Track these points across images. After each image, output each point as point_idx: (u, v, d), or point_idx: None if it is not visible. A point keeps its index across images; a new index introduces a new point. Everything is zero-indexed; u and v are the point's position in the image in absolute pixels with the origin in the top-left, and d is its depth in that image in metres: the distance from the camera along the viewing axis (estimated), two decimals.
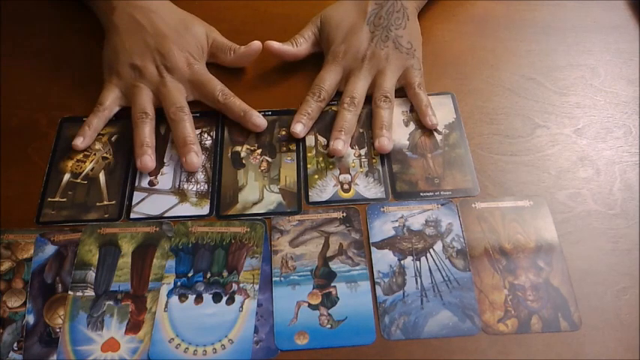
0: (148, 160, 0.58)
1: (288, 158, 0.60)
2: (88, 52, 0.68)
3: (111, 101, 0.62)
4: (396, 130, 0.62)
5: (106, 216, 0.56)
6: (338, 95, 0.64)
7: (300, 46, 0.66)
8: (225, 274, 0.53)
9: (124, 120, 0.62)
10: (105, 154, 0.60)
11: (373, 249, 0.54)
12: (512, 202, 0.57)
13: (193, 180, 0.59)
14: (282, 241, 0.55)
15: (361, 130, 0.62)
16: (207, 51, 0.66)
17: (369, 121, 0.62)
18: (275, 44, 0.64)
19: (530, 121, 0.63)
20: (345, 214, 0.56)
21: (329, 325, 0.50)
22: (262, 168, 0.59)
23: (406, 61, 0.64)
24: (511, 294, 0.52)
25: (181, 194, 0.58)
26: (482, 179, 0.58)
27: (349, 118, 0.61)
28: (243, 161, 0.60)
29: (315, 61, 0.66)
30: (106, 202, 0.57)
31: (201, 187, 0.58)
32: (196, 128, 0.61)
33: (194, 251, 0.54)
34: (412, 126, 0.62)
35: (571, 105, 0.64)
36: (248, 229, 0.55)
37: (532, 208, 0.56)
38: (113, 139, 0.62)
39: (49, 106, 0.64)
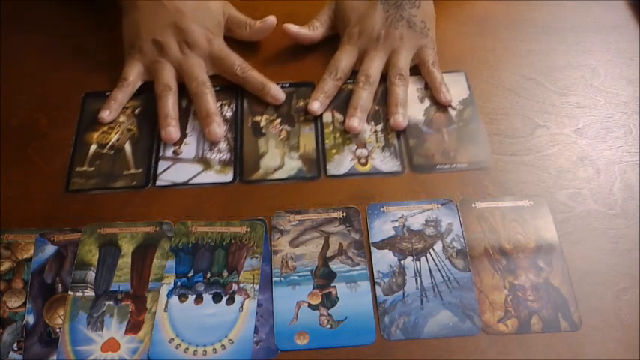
0: (172, 131, 0.60)
1: (307, 128, 0.62)
2: (88, 52, 0.68)
3: (134, 76, 0.64)
4: (411, 107, 0.64)
5: (134, 184, 0.59)
6: (355, 74, 0.65)
7: (316, 30, 0.67)
8: (225, 274, 0.53)
9: (147, 93, 0.64)
10: (129, 126, 0.62)
11: (373, 249, 0.54)
12: (512, 202, 0.57)
13: (216, 149, 0.61)
14: (282, 241, 0.55)
15: (377, 107, 0.64)
16: (224, 26, 0.67)
17: (384, 98, 0.64)
18: (292, 28, 0.66)
19: (530, 121, 0.63)
20: (345, 214, 0.56)
21: (329, 325, 0.50)
22: (282, 137, 0.62)
23: (420, 40, 0.65)
24: (511, 294, 0.52)
25: (205, 163, 0.60)
26: (482, 179, 0.59)
27: (365, 96, 0.62)
28: (263, 130, 0.62)
29: (331, 37, 0.68)
30: (132, 171, 0.59)
31: (224, 156, 0.60)
32: (217, 101, 0.63)
33: (194, 251, 0.54)
34: (427, 102, 0.64)
35: (571, 105, 0.64)
36: (248, 229, 0.55)
37: (532, 208, 0.56)
38: (137, 111, 0.64)
39: (49, 106, 0.64)
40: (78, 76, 0.66)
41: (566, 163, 0.60)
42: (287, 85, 0.65)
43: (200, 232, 0.55)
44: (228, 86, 0.65)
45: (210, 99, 0.62)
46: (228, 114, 0.64)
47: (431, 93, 0.65)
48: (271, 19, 0.66)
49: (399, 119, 0.61)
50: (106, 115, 0.62)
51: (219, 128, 0.61)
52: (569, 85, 0.66)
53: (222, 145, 0.61)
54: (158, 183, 0.59)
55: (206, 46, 0.64)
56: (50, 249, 0.54)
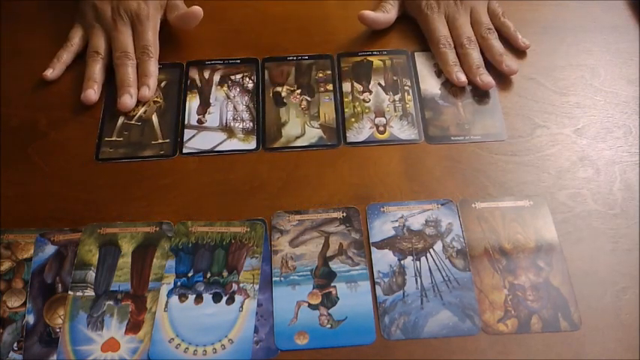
0: (92, 93, 0.63)
1: (326, 98, 0.65)
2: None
3: (78, 38, 0.67)
4: (428, 81, 0.66)
5: (162, 153, 0.61)
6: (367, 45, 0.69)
7: (390, 12, 0.69)
8: (225, 274, 0.53)
9: (173, 68, 0.67)
10: (156, 99, 0.65)
11: (373, 249, 0.54)
12: (512, 202, 0.57)
13: (239, 118, 0.63)
14: (282, 241, 0.55)
15: (395, 78, 0.66)
16: (165, 5, 0.69)
17: (403, 70, 0.67)
18: (369, 14, 0.68)
19: (530, 121, 0.63)
20: (345, 214, 0.56)
21: (329, 325, 0.50)
22: (302, 106, 0.64)
23: None
24: (511, 294, 0.52)
25: (229, 131, 0.62)
26: (482, 179, 0.58)
27: (477, 54, 0.66)
28: (284, 100, 0.65)
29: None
30: (160, 141, 0.62)
31: (247, 125, 0.63)
32: (237, 74, 0.67)
33: (194, 251, 0.54)
34: (444, 77, 0.66)
35: (571, 105, 0.64)
36: (248, 229, 0.55)
37: (532, 208, 0.56)
38: (163, 84, 0.66)
39: (49, 106, 0.64)
40: (78, 76, 0.66)
41: (566, 163, 0.60)
42: (307, 57, 0.68)
43: (200, 232, 0.55)
44: (249, 59, 0.68)
45: (129, 70, 0.64)
46: (250, 85, 0.66)
47: None
48: (196, 9, 0.66)
49: (513, 65, 0.65)
50: (49, 72, 0.65)
51: (129, 99, 0.63)
52: (569, 85, 0.66)
53: (245, 115, 0.63)
54: (184, 150, 0.61)
55: (134, 15, 0.66)
56: (50, 249, 0.54)
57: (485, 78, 0.64)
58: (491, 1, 0.70)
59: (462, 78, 0.64)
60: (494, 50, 0.66)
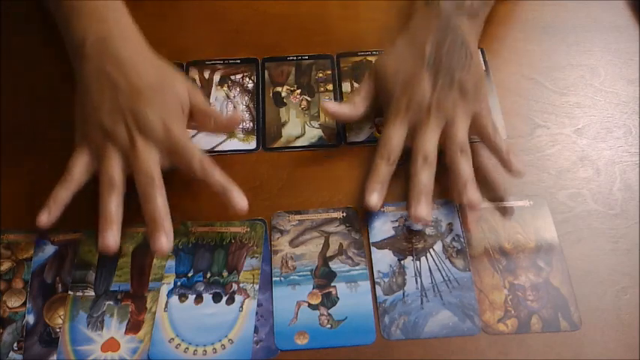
0: (111, 238, 0.50)
1: (327, 98, 0.65)
2: None
3: (80, 169, 0.54)
4: None
5: None
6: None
7: (357, 106, 0.59)
8: (225, 274, 0.53)
9: None
10: None
11: (373, 249, 0.54)
12: (512, 202, 0.57)
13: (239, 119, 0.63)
14: (282, 241, 0.55)
15: None
16: (187, 112, 0.57)
17: None
18: (331, 107, 0.60)
19: (530, 121, 0.63)
20: (345, 214, 0.56)
21: (329, 325, 0.50)
22: (302, 106, 0.64)
23: (474, 106, 0.57)
24: (511, 294, 0.52)
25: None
26: (482, 179, 0.58)
27: (425, 179, 0.54)
28: (284, 100, 0.65)
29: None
30: None
31: (247, 125, 0.63)
32: (237, 74, 0.66)
33: (194, 251, 0.54)
34: None
35: (571, 105, 0.64)
36: (248, 229, 0.55)
37: (532, 208, 0.56)
38: None
39: (50, 105, 0.64)
40: None
41: (566, 163, 0.60)
42: (307, 57, 0.68)
43: (200, 232, 0.55)
44: (249, 59, 0.68)
45: (159, 200, 0.51)
46: (250, 85, 0.66)
47: None
48: (238, 115, 0.61)
49: (475, 197, 0.54)
50: (44, 218, 0.52)
51: (165, 239, 0.50)
52: (569, 85, 0.66)
53: (245, 115, 0.63)
54: None
55: (162, 133, 0.53)
56: (50, 249, 0.54)
57: (420, 211, 0.53)
58: (481, 116, 0.57)
59: (373, 202, 0.54)
60: (460, 177, 0.54)
